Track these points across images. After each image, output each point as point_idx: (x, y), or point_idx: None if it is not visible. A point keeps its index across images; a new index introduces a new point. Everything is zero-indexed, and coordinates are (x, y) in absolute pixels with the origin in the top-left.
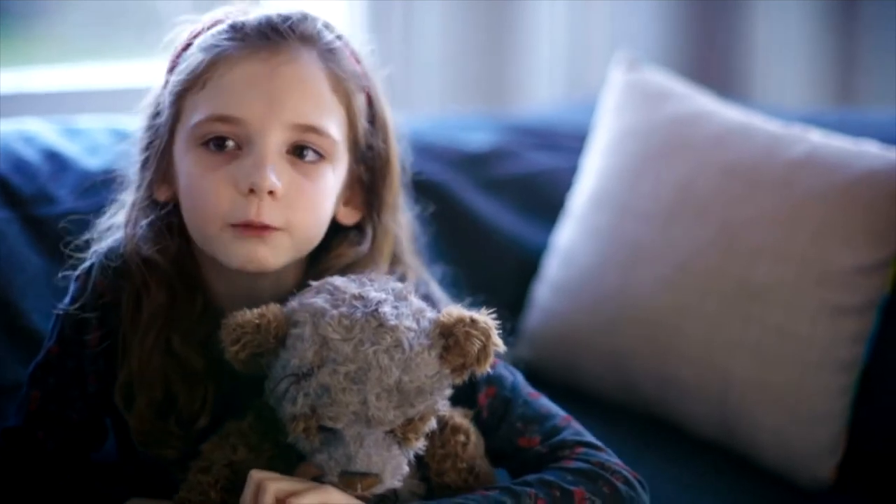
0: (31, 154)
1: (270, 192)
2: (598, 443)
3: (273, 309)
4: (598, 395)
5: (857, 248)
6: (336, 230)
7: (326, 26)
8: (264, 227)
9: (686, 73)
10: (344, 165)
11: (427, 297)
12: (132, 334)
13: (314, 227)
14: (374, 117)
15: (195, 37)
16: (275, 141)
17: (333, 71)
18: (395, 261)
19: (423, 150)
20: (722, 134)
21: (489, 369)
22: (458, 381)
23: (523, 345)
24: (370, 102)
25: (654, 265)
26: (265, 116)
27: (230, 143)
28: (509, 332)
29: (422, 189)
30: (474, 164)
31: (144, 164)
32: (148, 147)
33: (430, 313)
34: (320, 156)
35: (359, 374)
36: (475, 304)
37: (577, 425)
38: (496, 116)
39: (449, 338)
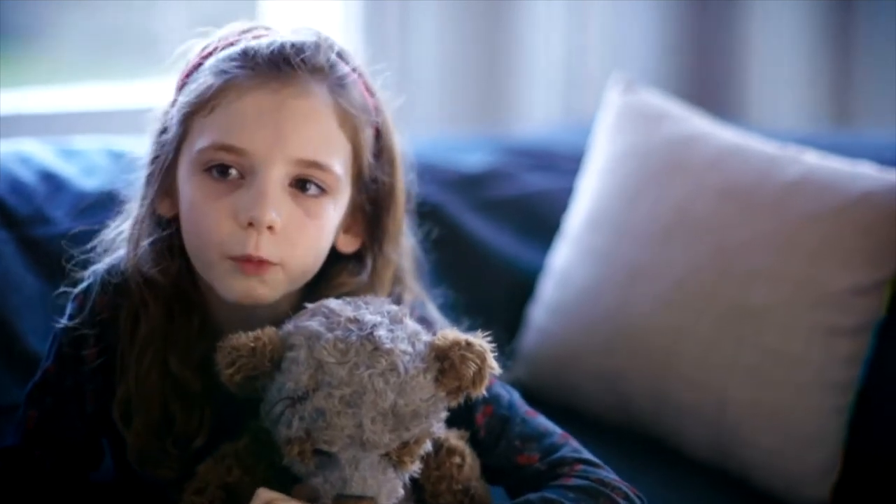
0: (27, 175)
1: (269, 227)
2: (597, 460)
3: (269, 332)
4: (594, 416)
5: (852, 269)
6: (335, 257)
7: (341, 55)
8: (261, 263)
9: (682, 95)
10: (346, 198)
11: (424, 319)
12: (129, 353)
13: (311, 261)
14: (380, 150)
15: (206, 56)
16: (277, 174)
17: (342, 106)
18: (396, 281)
19: (419, 170)
20: (718, 155)
21: (485, 392)
22: (454, 403)
23: (520, 366)
24: (378, 135)
25: (650, 286)
26: (270, 149)
27: (233, 172)
28: (507, 355)
29: (417, 210)
30: (470, 185)
31: (149, 178)
32: (153, 162)
33: (425, 336)
34: (322, 190)
35: (354, 398)
36: (472, 327)
37: (574, 443)
38: (492, 137)
39: (444, 361)
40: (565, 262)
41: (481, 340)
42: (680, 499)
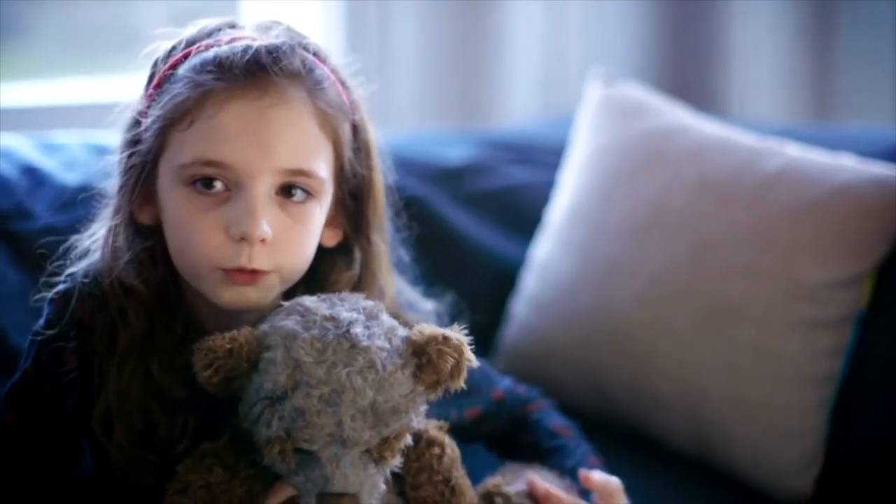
0: (8, 169)
1: (262, 240)
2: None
3: (245, 332)
4: (574, 409)
5: (832, 262)
6: (322, 254)
7: (316, 53)
8: (254, 273)
9: (662, 88)
10: (329, 197)
11: (410, 307)
12: (109, 363)
13: (302, 263)
14: (359, 144)
15: (174, 66)
16: (264, 186)
17: (321, 108)
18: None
19: (400, 164)
20: (699, 148)
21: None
22: (433, 397)
23: (501, 359)
24: (355, 129)
25: (628, 281)
26: (255, 162)
27: (218, 185)
28: (485, 347)
29: (396, 200)
30: (451, 178)
31: (123, 189)
32: (127, 172)
33: (401, 332)
34: (308, 195)
35: (332, 397)
36: (454, 319)
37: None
38: (473, 131)
39: (422, 356)
40: (546, 255)
41: (458, 334)
42: (662, 492)
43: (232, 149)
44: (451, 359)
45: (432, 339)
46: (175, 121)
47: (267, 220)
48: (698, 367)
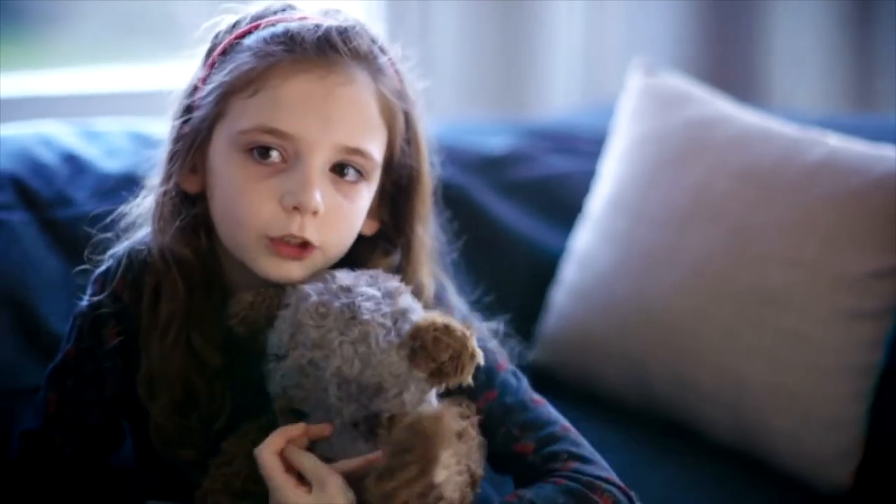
0: (49, 156)
1: (314, 212)
2: (592, 455)
3: (270, 290)
4: (614, 399)
5: (873, 252)
6: (362, 241)
7: (374, 40)
8: (301, 248)
9: (703, 78)
10: (377, 182)
11: (441, 303)
12: (152, 329)
13: (346, 243)
14: (410, 136)
15: (242, 35)
16: (321, 160)
17: (382, 92)
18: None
19: (441, 152)
20: (739, 138)
21: (470, 381)
22: (438, 388)
23: (540, 348)
24: (408, 121)
25: (668, 270)
26: (317, 136)
27: (275, 155)
28: (524, 337)
29: (440, 193)
30: (492, 167)
31: (175, 155)
32: (181, 139)
33: (414, 315)
34: (360, 175)
35: (321, 361)
36: (493, 308)
37: (574, 435)
38: (514, 120)
39: (416, 340)
40: (587, 245)
41: (465, 328)
42: (700, 481)
43: (295, 119)
44: (449, 349)
45: (431, 325)
46: (238, 88)
47: (321, 195)
48: (738, 356)
